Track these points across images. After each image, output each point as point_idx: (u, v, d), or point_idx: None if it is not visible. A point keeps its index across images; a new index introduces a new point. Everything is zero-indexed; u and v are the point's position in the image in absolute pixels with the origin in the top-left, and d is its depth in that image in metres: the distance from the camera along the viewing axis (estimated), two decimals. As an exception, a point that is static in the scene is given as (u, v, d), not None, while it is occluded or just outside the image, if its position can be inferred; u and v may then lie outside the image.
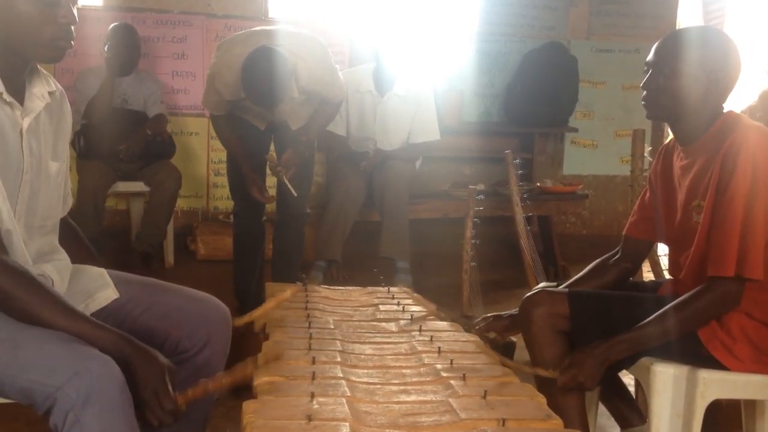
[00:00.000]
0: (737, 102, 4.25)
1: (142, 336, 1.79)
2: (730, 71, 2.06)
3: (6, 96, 1.66)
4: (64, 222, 1.98)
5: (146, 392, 1.55)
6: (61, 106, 1.89)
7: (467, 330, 2.17)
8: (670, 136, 2.24)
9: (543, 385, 2.08)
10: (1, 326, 1.57)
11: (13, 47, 1.67)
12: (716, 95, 2.07)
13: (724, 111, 2.10)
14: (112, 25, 4.67)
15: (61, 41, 1.69)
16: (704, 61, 2.04)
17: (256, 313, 2.08)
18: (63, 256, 1.87)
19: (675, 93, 2.06)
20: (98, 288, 1.88)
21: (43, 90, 1.78)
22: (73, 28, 1.70)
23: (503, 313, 2.43)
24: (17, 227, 1.69)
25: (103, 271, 1.93)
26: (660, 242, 2.40)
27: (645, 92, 2.14)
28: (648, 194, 2.34)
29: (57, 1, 1.66)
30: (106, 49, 4.59)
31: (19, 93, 1.72)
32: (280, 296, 2.09)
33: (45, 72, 1.83)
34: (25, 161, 1.71)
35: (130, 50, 4.67)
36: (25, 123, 1.71)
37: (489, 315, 2.46)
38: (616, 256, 2.39)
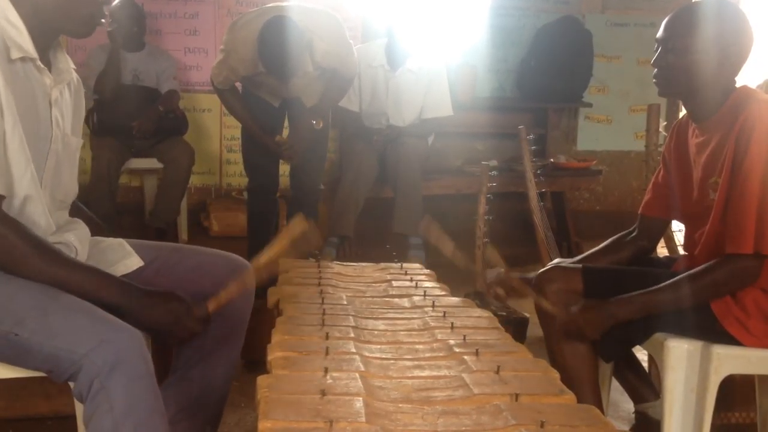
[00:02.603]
0: (752, 76, 4.20)
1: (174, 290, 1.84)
2: (742, 45, 2.03)
3: (39, 63, 1.68)
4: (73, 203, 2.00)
5: (162, 316, 1.68)
6: (78, 88, 1.92)
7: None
8: (684, 111, 2.21)
9: (556, 362, 2.09)
10: (32, 295, 1.59)
11: (48, 20, 1.69)
12: (729, 70, 2.04)
13: (738, 86, 2.07)
14: (115, 1, 4.67)
15: (96, 18, 1.73)
16: (715, 35, 2.01)
17: (273, 251, 2.09)
18: (81, 225, 1.90)
19: (687, 70, 2.04)
20: (121, 257, 1.91)
21: (67, 65, 1.82)
22: (105, 7, 1.73)
23: (516, 274, 2.43)
24: (42, 195, 1.71)
25: (122, 241, 1.96)
26: (675, 220, 2.39)
27: (656, 70, 2.11)
28: (662, 172, 2.32)
29: None
30: (109, 23, 4.59)
31: (46, 65, 1.74)
32: (291, 232, 2.07)
33: (66, 54, 1.85)
34: (53, 131, 1.73)
35: (132, 23, 4.67)
36: (54, 93, 1.74)
37: (501, 270, 2.46)
38: (633, 234, 2.38)
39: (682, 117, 2.25)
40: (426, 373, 1.59)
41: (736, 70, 2.06)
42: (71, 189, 1.87)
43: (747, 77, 2.12)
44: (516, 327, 3.13)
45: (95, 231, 1.99)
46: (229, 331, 1.95)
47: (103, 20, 1.74)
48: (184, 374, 1.93)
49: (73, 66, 1.86)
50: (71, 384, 1.54)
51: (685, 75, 2.04)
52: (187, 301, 1.71)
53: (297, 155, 3.72)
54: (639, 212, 2.38)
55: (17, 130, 1.61)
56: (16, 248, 1.59)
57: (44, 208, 1.72)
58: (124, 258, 1.91)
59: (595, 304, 2.06)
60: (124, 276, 1.84)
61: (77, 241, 1.81)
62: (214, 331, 1.89)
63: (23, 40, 1.64)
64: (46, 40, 1.73)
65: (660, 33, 2.09)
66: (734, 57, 2.03)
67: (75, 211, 1.99)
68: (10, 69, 1.62)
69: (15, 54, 1.62)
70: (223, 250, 2.06)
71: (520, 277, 2.39)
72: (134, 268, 1.90)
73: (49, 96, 1.73)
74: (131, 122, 4.53)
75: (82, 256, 1.80)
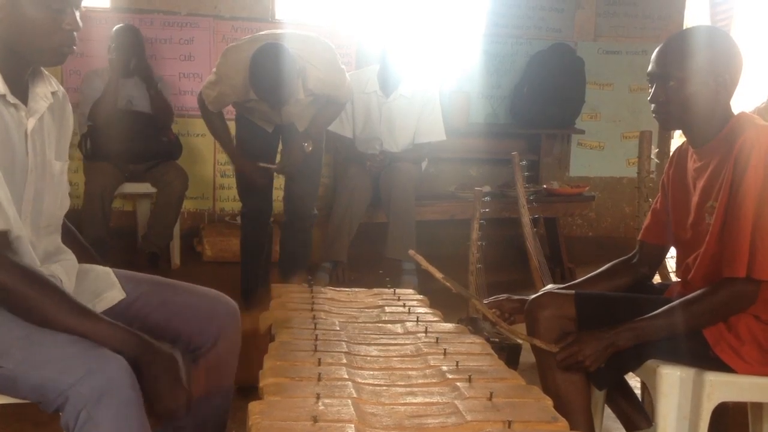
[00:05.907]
0: (746, 103, 4.22)
1: (153, 333, 1.81)
2: (734, 69, 2.04)
3: (10, 97, 1.67)
4: (62, 224, 1.99)
5: (159, 386, 1.58)
6: (63, 107, 1.90)
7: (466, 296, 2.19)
8: (677, 137, 2.22)
9: (549, 388, 2.08)
10: (17, 326, 1.58)
11: (18, 51, 1.69)
12: (724, 95, 2.05)
13: (737, 113, 2.08)
14: (115, 27, 4.69)
15: (65, 47, 1.72)
16: (708, 64, 2.01)
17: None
18: (70, 256, 1.88)
19: (685, 102, 2.04)
20: (105, 288, 1.88)
21: (45, 90, 1.80)
22: (75, 34, 1.72)
23: (514, 295, 2.43)
24: (24, 230, 1.70)
25: (109, 270, 1.94)
26: (671, 245, 2.39)
27: (654, 105, 2.11)
28: (660, 198, 2.32)
29: (63, 9, 1.68)
30: (109, 50, 4.61)
31: (22, 94, 1.73)
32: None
33: (47, 73, 1.84)
34: (30, 162, 1.71)
35: (133, 51, 4.68)
36: (30, 124, 1.72)
37: (501, 295, 2.45)
38: (633, 260, 2.37)
39: (683, 143, 2.26)
40: (419, 399, 1.59)
41: (730, 93, 2.07)
42: (56, 211, 1.84)
43: (744, 100, 2.12)
44: (509, 353, 3.12)
45: (85, 258, 1.97)
46: (218, 379, 1.90)
47: (75, 47, 1.73)
48: (176, 425, 1.88)
49: (53, 88, 1.83)
50: (61, 414, 1.53)
51: (685, 106, 2.04)
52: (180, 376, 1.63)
53: (291, 173, 3.74)
54: (638, 239, 2.38)
55: None
56: (27, 299, 1.58)
57: (26, 244, 1.70)
58: (107, 290, 1.87)
59: (590, 334, 2.05)
60: (108, 310, 1.81)
61: (64, 273, 1.79)
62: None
63: None
64: (17, 72, 1.71)
65: (652, 67, 2.09)
66: (728, 82, 2.04)
67: (70, 240, 1.97)
68: None
69: None
70: (212, 288, 2.00)
71: (515, 298, 2.38)
72: (115, 302, 1.86)
73: (25, 127, 1.71)
74: (124, 147, 4.54)
75: (68, 288, 1.78)
